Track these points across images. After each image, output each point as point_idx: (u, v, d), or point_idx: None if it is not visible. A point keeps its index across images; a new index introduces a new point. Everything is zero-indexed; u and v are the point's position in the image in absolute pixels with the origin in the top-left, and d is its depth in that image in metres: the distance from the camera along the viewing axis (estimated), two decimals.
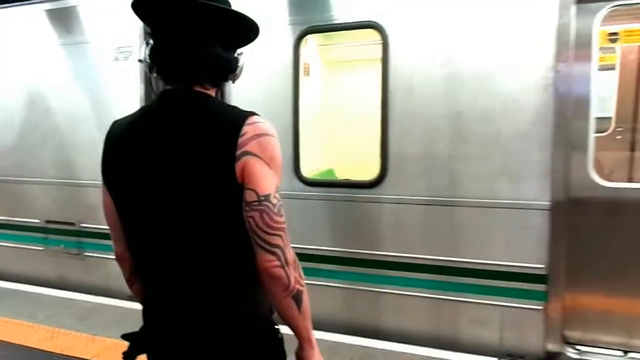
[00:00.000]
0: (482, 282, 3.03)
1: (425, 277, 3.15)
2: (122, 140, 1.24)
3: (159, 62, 1.21)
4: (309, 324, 1.22)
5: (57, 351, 3.19)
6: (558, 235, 2.86)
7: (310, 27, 3.34)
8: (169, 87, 1.22)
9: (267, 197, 1.11)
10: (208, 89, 1.23)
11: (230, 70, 1.25)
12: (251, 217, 1.11)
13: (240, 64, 1.26)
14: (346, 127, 4.58)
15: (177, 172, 1.14)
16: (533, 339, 2.98)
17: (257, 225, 1.11)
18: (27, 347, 3.26)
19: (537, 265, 2.92)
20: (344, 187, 3.39)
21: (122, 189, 1.25)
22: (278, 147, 1.17)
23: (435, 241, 3.12)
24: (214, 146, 1.12)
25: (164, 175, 1.16)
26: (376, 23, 3.15)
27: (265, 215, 1.11)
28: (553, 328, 2.95)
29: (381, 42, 3.17)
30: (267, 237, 1.12)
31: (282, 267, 1.12)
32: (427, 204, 3.11)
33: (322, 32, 3.37)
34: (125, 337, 1.32)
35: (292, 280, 1.14)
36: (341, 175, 4.67)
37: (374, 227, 3.27)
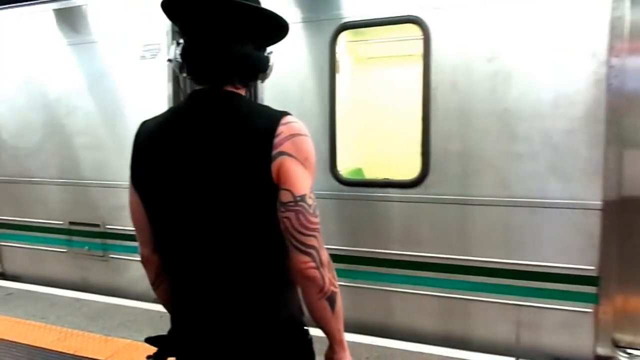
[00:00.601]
0: (529, 284, 2.94)
1: (470, 279, 3.06)
2: (152, 140, 1.21)
3: (190, 62, 1.19)
4: (342, 326, 1.21)
5: (71, 352, 3.16)
6: (610, 236, 2.77)
7: (347, 22, 3.25)
8: (199, 87, 1.20)
9: (302, 198, 1.10)
10: (238, 88, 1.21)
11: (260, 69, 1.23)
12: (287, 217, 1.10)
13: (270, 63, 1.24)
14: (377, 125, 4.49)
15: (209, 172, 1.12)
16: (582, 342, 2.89)
17: (293, 226, 1.10)
18: (40, 348, 3.24)
19: (587, 266, 2.83)
20: (382, 186, 3.30)
21: (152, 190, 1.22)
22: (312, 147, 1.16)
23: (480, 242, 3.03)
24: (249, 146, 1.10)
25: (196, 176, 1.14)
26: (417, 17, 3.06)
27: (300, 216, 1.10)
28: (603, 331, 2.86)
29: (422, 37, 3.08)
30: (303, 238, 1.10)
31: (317, 268, 1.11)
32: (472, 204, 3.02)
33: (359, 27, 3.28)
34: (150, 341, 1.30)
35: (327, 281, 1.13)
36: (370, 174, 4.58)
37: (414, 228, 3.18)
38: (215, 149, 1.12)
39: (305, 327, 1.25)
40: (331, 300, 1.15)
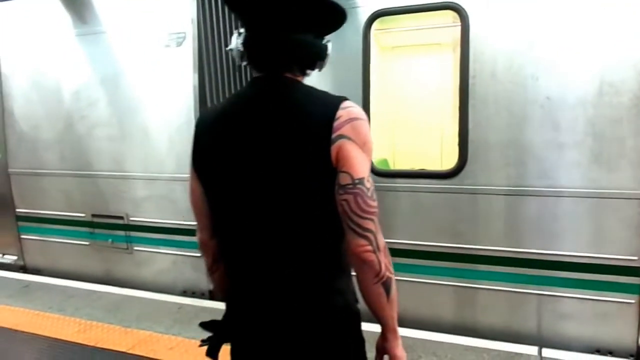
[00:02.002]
0: (571, 275, 2.90)
1: (510, 271, 3.03)
2: (214, 127, 1.25)
3: (251, 50, 1.21)
4: (395, 314, 1.20)
5: (92, 344, 3.16)
6: None
7: (381, 10, 3.18)
8: (259, 75, 1.23)
9: (361, 181, 1.11)
10: (297, 76, 1.24)
11: (320, 57, 1.26)
12: (345, 200, 1.11)
13: (329, 51, 1.27)
14: (405, 115, 4.42)
15: (270, 157, 1.15)
16: (625, 333, 2.86)
17: (351, 209, 1.11)
18: (61, 340, 3.23)
19: (630, 257, 2.79)
20: (417, 177, 3.25)
21: (213, 175, 1.25)
22: (370, 131, 1.18)
23: (520, 233, 2.99)
24: (309, 131, 1.13)
25: (257, 161, 1.16)
26: (456, 4, 2.99)
27: (359, 199, 1.11)
28: None
29: (459, 24, 3.01)
30: (360, 221, 1.11)
31: (374, 252, 1.12)
32: (511, 194, 2.97)
33: (393, 14, 3.20)
34: (205, 325, 1.33)
35: (383, 266, 1.13)
36: (395, 165, 4.52)
37: (451, 219, 3.13)
38: (276, 134, 1.14)
39: (359, 314, 1.26)
40: (387, 286, 1.15)
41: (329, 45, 1.27)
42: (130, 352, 3.04)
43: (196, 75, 3.74)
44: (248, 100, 1.22)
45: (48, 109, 4.31)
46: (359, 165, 1.12)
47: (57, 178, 4.39)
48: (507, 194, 2.98)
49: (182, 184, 3.86)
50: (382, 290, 1.15)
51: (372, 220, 1.12)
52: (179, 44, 3.77)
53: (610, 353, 2.91)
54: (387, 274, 1.15)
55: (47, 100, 4.31)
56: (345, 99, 1.18)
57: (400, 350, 1.23)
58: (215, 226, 1.31)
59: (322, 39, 1.27)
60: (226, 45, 3.84)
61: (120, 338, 3.23)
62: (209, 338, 1.32)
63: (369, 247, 1.11)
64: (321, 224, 1.17)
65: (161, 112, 3.90)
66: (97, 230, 4.30)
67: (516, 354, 2.86)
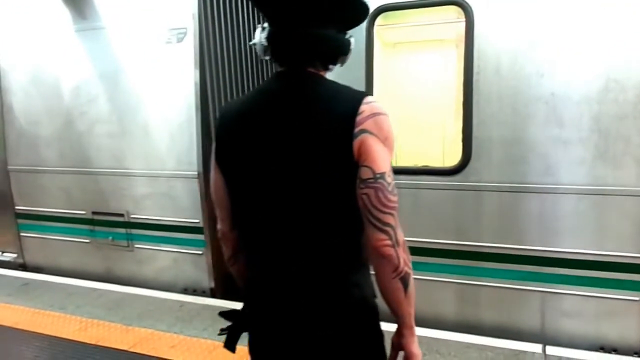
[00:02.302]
0: (576, 272, 2.89)
1: (514, 268, 3.01)
2: (237, 120, 1.26)
3: (274, 45, 1.23)
4: (413, 310, 1.20)
5: (93, 342, 3.14)
6: None
7: (385, 5, 3.15)
8: (281, 69, 1.25)
9: (382, 175, 1.12)
10: (320, 71, 1.26)
11: (342, 52, 1.27)
12: (365, 194, 1.12)
13: (352, 46, 1.28)
14: (406, 111, 4.39)
15: (292, 150, 1.17)
16: (630, 331, 2.85)
17: (371, 203, 1.12)
18: (61, 338, 3.21)
19: (636, 254, 2.78)
20: (420, 174, 3.23)
21: (236, 168, 1.26)
22: (391, 126, 1.19)
23: (524, 230, 2.97)
24: (332, 125, 1.14)
25: (279, 154, 1.18)
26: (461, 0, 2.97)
27: (380, 193, 1.12)
28: None
29: (464, 19, 2.99)
30: (380, 215, 1.12)
31: (393, 246, 1.13)
32: (515, 190, 2.96)
33: (397, 9, 3.17)
34: (224, 315, 1.35)
35: (402, 261, 1.14)
36: (398, 162, 4.50)
37: (454, 216, 3.12)
38: (299, 129, 1.16)
39: (376, 308, 1.26)
40: (405, 281, 1.15)
41: (352, 40, 1.28)
42: (131, 350, 3.02)
43: (197, 72, 3.71)
44: (271, 95, 1.24)
45: (48, 105, 4.28)
46: (381, 159, 1.13)
47: (57, 175, 4.35)
48: (510, 190, 2.96)
49: (183, 181, 3.84)
50: (400, 285, 1.15)
51: (392, 214, 1.13)
52: (180, 40, 3.73)
53: (615, 350, 2.90)
54: (406, 269, 1.15)
55: (46, 97, 4.27)
56: (368, 94, 1.20)
57: (416, 348, 1.23)
58: (237, 218, 1.33)
59: (345, 33, 1.28)
60: (228, 41, 3.82)
61: (121, 336, 3.21)
62: (227, 327, 1.34)
63: (389, 242, 1.12)
64: (341, 218, 1.18)
65: (162, 109, 3.86)
66: (97, 228, 4.27)
67: (520, 351, 2.84)
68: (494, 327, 3.10)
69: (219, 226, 1.40)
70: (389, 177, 1.14)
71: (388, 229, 1.12)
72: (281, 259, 1.23)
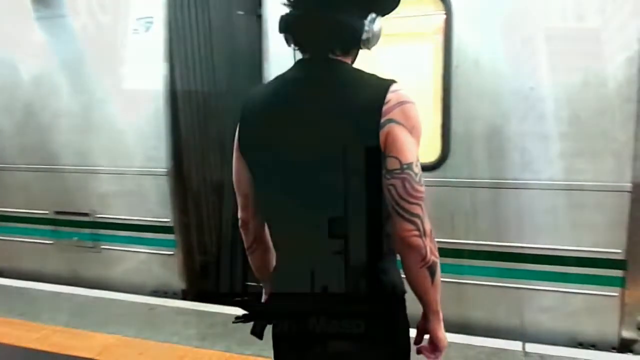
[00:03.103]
0: (553, 268, 2.87)
1: (491, 265, 2.97)
2: (261, 108, 1.25)
3: (294, 32, 1.21)
4: (439, 297, 1.23)
5: (55, 351, 3.01)
6: (638, 219, 2.71)
7: None
8: (305, 56, 1.24)
9: (409, 166, 1.11)
10: (343, 57, 1.22)
11: (358, 36, 1.20)
12: (392, 185, 1.12)
13: (367, 28, 1.20)
14: None
15: (318, 140, 1.16)
16: (607, 326, 2.85)
17: (398, 194, 1.11)
18: (22, 347, 3.07)
19: (614, 250, 2.77)
20: None
21: (260, 157, 1.26)
22: (419, 115, 1.16)
23: (502, 226, 2.94)
24: (358, 114, 1.13)
25: (304, 144, 1.17)
26: None
27: (407, 184, 1.11)
28: (629, 315, 2.83)
29: (443, 12, 2.92)
30: (408, 206, 1.11)
31: (421, 236, 1.13)
32: (495, 186, 2.91)
33: None
34: (244, 305, 1.33)
35: (429, 251, 1.14)
36: None
37: (432, 212, 3.04)
38: (324, 117, 1.15)
39: (404, 294, 1.26)
40: (432, 270, 1.17)
41: (377, 23, 1.22)
42: (97, 358, 2.91)
43: (166, 64, 3.55)
44: (295, 83, 1.23)
45: (6, 99, 4.05)
46: (408, 150, 1.11)
47: (17, 173, 4.14)
48: (490, 186, 2.92)
49: (152, 178, 3.67)
50: (427, 274, 1.17)
51: (419, 205, 1.12)
52: (147, 29, 3.56)
53: (593, 346, 2.89)
54: (433, 258, 1.16)
55: (4, 88, 4.04)
56: (395, 81, 1.17)
57: (442, 332, 1.26)
58: (260, 207, 1.34)
59: (365, 17, 1.21)
60: (199, 31, 3.66)
61: (86, 343, 3.06)
62: (244, 315, 1.32)
63: (416, 232, 1.12)
64: (367, 207, 1.17)
65: (129, 102, 3.69)
66: (61, 228, 4.07)
67: (501, 349, 2.82)
68: (476, 325, 3.05)
69: (239, 213, 1.39)
70: (416, 167, 1.12)
71: (415, 219, 1.12)
72: (306, 248, 1.24)
